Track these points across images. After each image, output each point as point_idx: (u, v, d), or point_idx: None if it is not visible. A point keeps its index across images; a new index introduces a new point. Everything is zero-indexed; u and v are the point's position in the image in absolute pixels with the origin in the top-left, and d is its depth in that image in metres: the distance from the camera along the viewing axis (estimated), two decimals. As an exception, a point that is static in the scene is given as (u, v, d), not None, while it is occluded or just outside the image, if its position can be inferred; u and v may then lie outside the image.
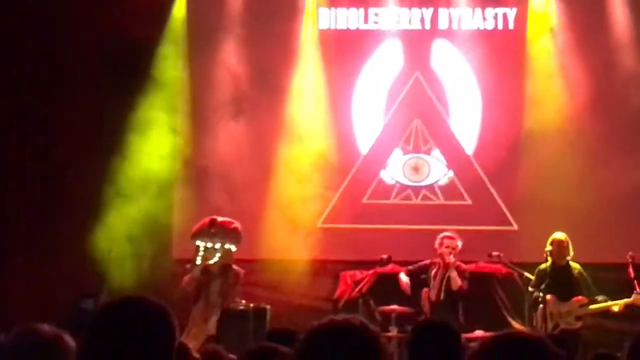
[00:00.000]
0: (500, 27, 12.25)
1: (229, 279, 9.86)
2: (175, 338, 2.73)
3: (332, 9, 12.42)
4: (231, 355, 5.66)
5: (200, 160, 12.14)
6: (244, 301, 9.99)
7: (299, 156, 11.95)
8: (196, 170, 12.11)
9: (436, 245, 10.24)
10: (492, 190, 12.02)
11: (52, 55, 12.18)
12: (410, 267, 10.47)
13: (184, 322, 9.26)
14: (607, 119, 11.86)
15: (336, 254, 11.96)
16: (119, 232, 11.29)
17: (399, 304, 10.28)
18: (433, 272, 10.27)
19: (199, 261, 9.83)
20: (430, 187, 12.21)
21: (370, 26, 12.39)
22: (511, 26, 12.25)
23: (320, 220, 12.05)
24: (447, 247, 10.18)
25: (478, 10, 12.25)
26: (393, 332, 10.04)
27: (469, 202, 12.09)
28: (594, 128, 11.80)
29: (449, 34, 12.28)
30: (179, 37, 12.32)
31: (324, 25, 12.40)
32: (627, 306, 9.71)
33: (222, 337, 9.19)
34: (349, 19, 12.42)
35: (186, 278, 9.91)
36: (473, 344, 5.61)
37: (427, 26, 12.32)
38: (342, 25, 12.42)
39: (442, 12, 12.30)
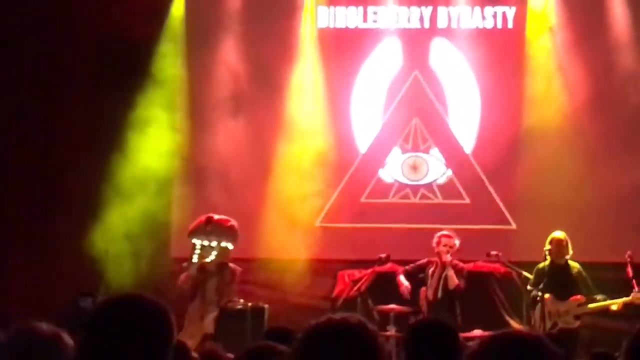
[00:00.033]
0: (499, 26, 12.24)
1: (225, 277, 9.83)
2: (173, 336, 2.73)
3: (331, 7, 12.42)
4: (229, 355, 5.65)
5: (199, 158, 12.14)
6: (242, 300, 9.98)
7: (298, 154, 11.95)
8: (195, 168, 12.11)
9: (434, 244, 10.23)
10: (491, 189, 12.02)
11: (52, 55, 12.18)
12: (408, 268, 10.44)
13: (181, 321, 9.25)
14: (606, 118, 11.86)
15: (334, 253, 11.96)
16: (118, 231, 11.28)
17: (397, 303, 10.27)
18: (430, 270, 10.26)
19: (195, 259, 9.82)
20: (429, 186, 12.20)
21: (369, 25, 12.39)
22: (510, 25, 12.25)
23: (319, 219, 12.05)
24: (445, 245, 10.17)
25: (477, 9, 12.25)
26: (391, 331, 10.02)
27: (468, 201, 12.09)
28: (592, 127, 11.80)
29: (448, 32, 12.28)
30: (178, 35, 12.32)
31: (323, 23, 12.40)
32: (625, 305, 9.71)
33: (220, 336, 9.18)
34: (348, 17, 12.42)
35: (182, 276, 9.90)
36: (471, 343, 5.61)
37: (426, 25, 12.32)
38: (341, 24, 12.41)
39: (441, 10, 12.29)
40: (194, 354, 5.45)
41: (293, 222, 11.79)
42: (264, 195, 11.99)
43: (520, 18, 12.19)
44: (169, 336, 2.72)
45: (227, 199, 11.78)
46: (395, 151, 12.25)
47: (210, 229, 9.87)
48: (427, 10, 12.31)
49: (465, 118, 12.19)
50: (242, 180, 12.00)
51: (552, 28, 12.07)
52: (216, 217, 9.99)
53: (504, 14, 12.25)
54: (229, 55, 12.27)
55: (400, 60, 12.29)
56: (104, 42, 11.98)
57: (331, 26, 12.41)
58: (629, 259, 9.95)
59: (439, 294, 10.14)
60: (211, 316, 9.62)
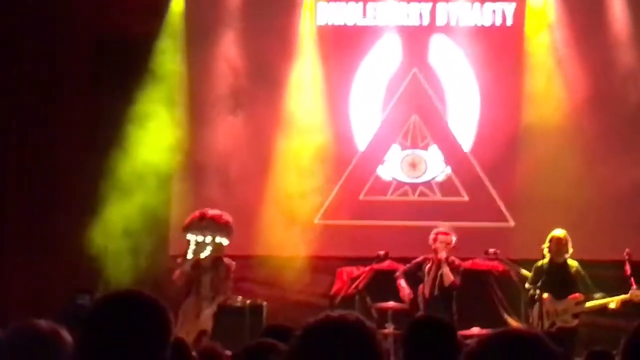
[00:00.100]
0: (498, 23, 12.24)
1: (220, 273, 9.78)
2: (171, 332, 2.73)
3: (331, 3, 12.42)
4: (227, 352, 5.65)
5: (198, 154, 12.14)
6: (240, 297, 9.97)
7: (297, 151, 11.95)
8: (194, 164, 12.11)
9: (430, 241, 10.19)
10: (490, 186, 12.02)
11: (51, 54, 12.19)
12: (406, 268, 10.38)
13: (176, 317, 9.24)
14: (605, 116, 11.86)
15: (333, 250, 11.95)
16: (117, 227, 11.28)
17: (396, 301, 10.26)
18: (427, 268, 10.22)
19: (190, 255, 9.78)
20: (428, 184, 12.20)
21: (368, 21, 12.39)
22: (509, 22, 12.24)
23: (317, 217, 12.05)
24: (441, 242, 10.12)
25: (476, 5, 12.25)
26: (389, 328, 10.01)
27: (466, 198, 12.09)
28: (592, 125, 11.79)
29: (447, 29, 12.27)
30: (178, 31, 12.32)
31: (322, 20, 12.40)
32: (623, 303, 9.70)
33: (218, 333, 9.15)
34: (347, 14, 12.41)
35: (177, 272, 9.85)
36: (469, 341, 5.61)
37: (425, 22, 12.32)
38: (340, 20, 12.41)
39: (441, 7, 12.29)
40: (193, 354, 5.44)
41: (292, 219, 11.79)
42: (263, 192, 11.99)
43: (519, 15, 12.19)
44: (167, 333, 2.72)
45: (226, 195, 11.77)
46: (394, 148, 12.24)
47: (204, 224, 9.82)
48: (426, 7, 12.30)
49: (464, 115, 12.19)
50: (241, 176, 12.00)
51: (551, 25, 12.07)
52: (210, 212, 9.94)
53: (503, 11, 12.25)
54: (229, 51, 12.27)
55: (400, 57, 12.29)
56: (103, 41, 12.01)
57: (330, 23, 12.41)
58: (627, 257, 9.93)
59: (435, 291, 10.09)
60: (207, 312, 9.57)
